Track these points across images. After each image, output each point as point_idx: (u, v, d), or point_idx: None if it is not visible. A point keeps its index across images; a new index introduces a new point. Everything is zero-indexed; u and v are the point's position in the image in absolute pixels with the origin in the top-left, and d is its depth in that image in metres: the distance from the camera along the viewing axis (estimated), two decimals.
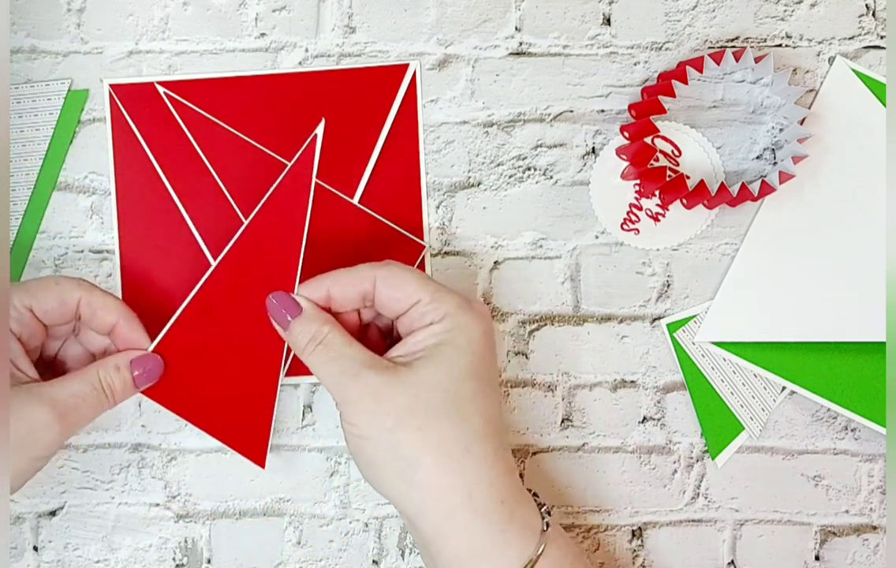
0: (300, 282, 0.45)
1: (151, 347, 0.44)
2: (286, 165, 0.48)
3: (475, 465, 0.39)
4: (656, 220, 0.48)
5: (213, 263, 0.45)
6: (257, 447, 0.47)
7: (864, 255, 0.47)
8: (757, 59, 0.46)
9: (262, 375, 0.46)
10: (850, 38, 0.49)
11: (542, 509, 0.41)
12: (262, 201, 0.46)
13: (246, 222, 0.46)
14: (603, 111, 0.49)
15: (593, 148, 0.49)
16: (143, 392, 0.44)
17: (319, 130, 0.46)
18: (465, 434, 0.39)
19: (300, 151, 0.46)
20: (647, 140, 0.47)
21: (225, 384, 0.46)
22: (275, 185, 0.46)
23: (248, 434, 0.46)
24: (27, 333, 0.42)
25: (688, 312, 0.49)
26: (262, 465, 0.46)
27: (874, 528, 0.49)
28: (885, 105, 0.48)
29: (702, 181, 0.45)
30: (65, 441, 0.41)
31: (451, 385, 0.39)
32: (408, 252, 0.48)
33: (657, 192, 0.48)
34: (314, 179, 0.46)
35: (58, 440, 0.40)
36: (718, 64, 0.46)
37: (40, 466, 0.41)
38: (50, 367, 0.45)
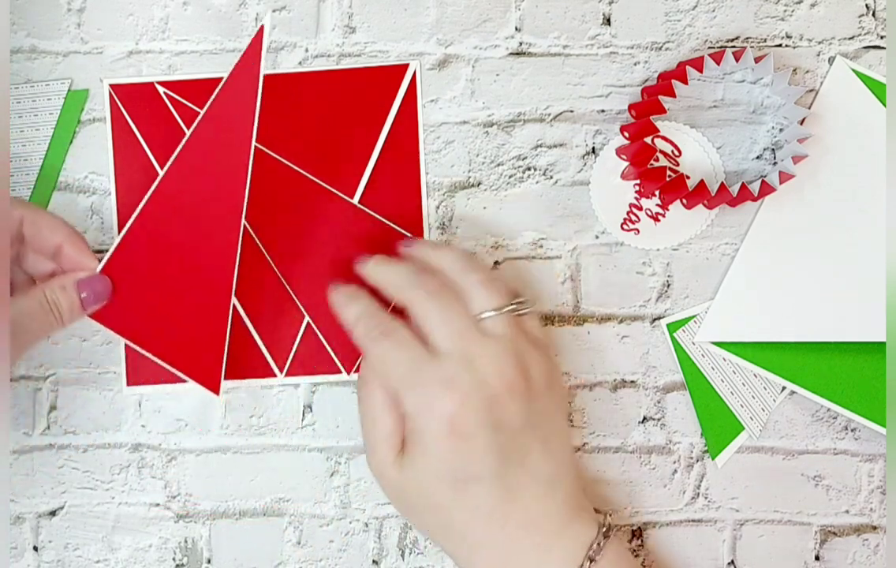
0: (249, 196, 0.44)
1: (99, 268, 0.43)
2: (286, 166, 0.48)
3: (451, 555, 0.42)
4: (656, 220, 0.48)
5: (160, 175, 0.43)
6: (211, 373, 0.45)
7: (864, 255, 0.47)
8: (757, 59, 0.46)
9: (214, 295, 0.44)
10: (850, 38, 0.49)
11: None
12: (209, 103, 0.43)
13: (193, 126, 0.43)
14: (603, 111, 0.49)
15: (593, 148, 0.49)
16: (92, 317, 0.43)
17: (267, 21, 0.43)
18: (441, 530, 0.42)
19: (247, 46, 0.43)
20: (647, 140, 0.47)
21: (176, 307, 0.44)
22: (221, 85, 0.43)
23: (201, 359, 0.45)
24: None
25: (688, 312, 0.49)
26: (217, 391, 0.45)
27: (874, 528, 0.49)
28: (885, 105, 0.48)
29: (702, 181, 0.45)
30: (15, 361, 0.40)
31: (423, 488, 0.41)
32: None
33: (657, 192, 0.48)
34: (262, 75, 0.43)
35: (18, 355, 0.40)
36: (718, 64, 0.46)
37: None
38: None
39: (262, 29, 0.43)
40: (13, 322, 0.39)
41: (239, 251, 0.45)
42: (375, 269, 0.44)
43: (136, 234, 0.44)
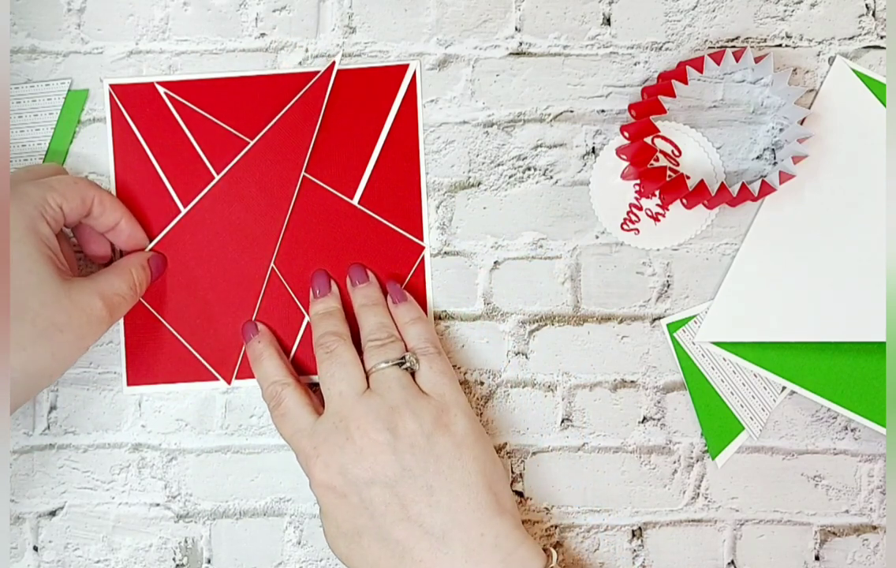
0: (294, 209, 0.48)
1: (150, 246, 0.48)
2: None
3: None
4: (656, 220, 0.48)
5: (216, 179, 0.47)
6: (227, 363, 0.48)
7: (864, 255, 0.47)
8: (757, 59, 0.46)
9: (243, 296, 0.48)
10: (850, 38, 0.49)
11: None
12: (271, 124, 0.47)
13: (251, 143, 0.47)
14: (603, 111, 0.49)
15: (593, 148, 0.49)
16: None
17: (337, 58, 0.47)
18: None
19: (315, 78, 0.47)
20: (647, 140, 0.47)
21: (207, 298, 0.48)
22: (285, 109, 0.47)
23: (221, 349, 0.48)
24: (57, 230, 0.43)
25: (688, 312, 0.49)
26: (229, 380, 0.48)
27: (874, 528, 0.49)
28: (885, 105, 0.48)
29: (702, 181, 0.45)
30: (105, 332, 0.44)
31: (334, 545, 0.43)
32: (408, 253, 0.48)
33: (657, 192, 0.48)
34: (325, 106, 0.47)
35: (104, 331, 0.43)
36: (718, 64, 0.46)
37: (81, 355, 0.43)
38: None
39: (332, 65, 0.47)
40: (113, 301, 0.43)
41: (273, 262, 0.48)
42: (313, 313, 0.47)
43: (184, 226, 0.48)
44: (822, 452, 0.49)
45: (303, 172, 0.47)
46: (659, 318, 0.49)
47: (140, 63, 0.49)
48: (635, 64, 0.49)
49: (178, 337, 0.48)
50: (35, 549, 0.49)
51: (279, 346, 0.48)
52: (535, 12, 0.49)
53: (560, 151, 0.49)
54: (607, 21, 0.49)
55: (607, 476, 0.49)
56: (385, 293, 0.48)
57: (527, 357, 0.49)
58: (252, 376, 0.48)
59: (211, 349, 0.48)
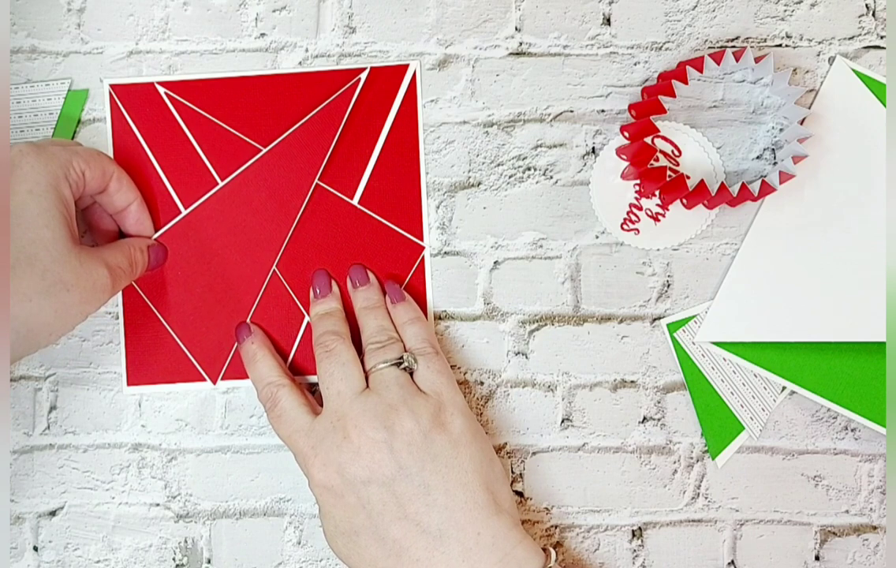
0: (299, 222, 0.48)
1: (156, 236, 0.48)
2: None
3: None
4: (656, 220, 0.48)
5: (228, 179, 0.48)
6: (214, 364, 0.48)
7: (864, 255, 0.47)
8: (757, 59, 0.46)
9: (240, 298, 0.48)
10: (850, 38, 0.49)
11: None
12: (290, 131, 0.47)
13: (267, 148, 0.47)
14: (603, 111, 0.49)
15: (593, 148, 0.49)
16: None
17: (363, 75, 0.47)
18: None
19: (340, 90, 0.47)
20: (647, 140, 0.47)
21: (205, 297, 0.48)
22: (307, 117, 0.47)
23: (210, 349, 0.48)
24: (77, 196, 0.43)
25: (688, 312, 0.49)
26: (215, 381, 0.48)
27: (874, 528, 0.49)
28: (885, 105, 0.48)
29: (702, 181, 0.45)
30: (102, 305, 0.44)
31: (332, 543, 0.43)
32: (408, 253, 0.48)
33: (657, 192, 0.48)
34: (344, 121, 0.47)
35: (104, 302, 0.43)
36: (718, 64, 0.46)
37: (81, 321, 0.43)
38: None
39: (357, 81, 0.47)
40: (115, 272, 0.43)
41: (273, 269, 0.48)
42: (313, 313, 0.47)
43: (188, 224, 0.48)
44: (822, 452, 0.49)
45: (316, 180, 0.47)
46: (659, 318, 0.49)
47: (140, 63, 0.49)
48: (635, 64, 0.49)
49: (171, 331, 0.48)
50: (35, 549, 0.49)
51: (273, 347, 0.47)
52: (535, 12, 0.49)
53: (560, 151, 0.49)
54: (607, 21, 0.49)
55: (607, 476, 0.49)
56: (384, 293, 0.48)
57: (527, 357, 0.49)
58: (241, 377, 0.48)
59: (201, 348, 0.48)
